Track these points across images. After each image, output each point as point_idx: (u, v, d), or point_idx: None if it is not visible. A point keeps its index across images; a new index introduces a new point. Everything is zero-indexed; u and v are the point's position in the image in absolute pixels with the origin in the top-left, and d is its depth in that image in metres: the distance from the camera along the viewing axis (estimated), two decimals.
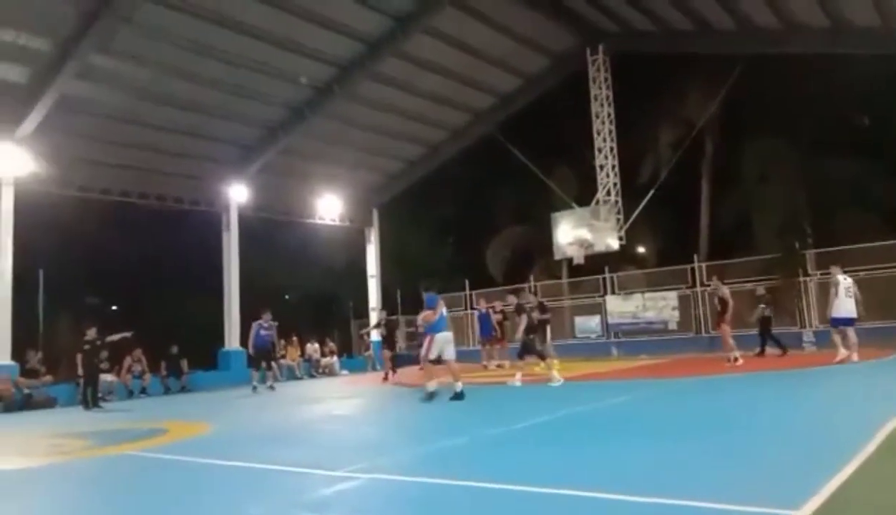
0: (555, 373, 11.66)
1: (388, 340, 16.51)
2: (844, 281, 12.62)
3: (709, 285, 18.95)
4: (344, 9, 15.97)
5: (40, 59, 14.07)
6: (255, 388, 15.00)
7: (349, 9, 16.02)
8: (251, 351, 15.50)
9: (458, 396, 9.95)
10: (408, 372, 16.75)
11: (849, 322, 12.50)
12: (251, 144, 19.44)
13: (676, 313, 19.96)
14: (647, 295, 20.55)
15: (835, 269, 12.96)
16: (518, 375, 12.04)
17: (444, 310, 10.51)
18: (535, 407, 9.50)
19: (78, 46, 13.81)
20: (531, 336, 12.32)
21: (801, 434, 6.04)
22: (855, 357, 12.26)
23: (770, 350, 15.26)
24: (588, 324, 21.70)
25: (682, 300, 19.84)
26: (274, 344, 16.91)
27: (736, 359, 13.47)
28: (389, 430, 8.79)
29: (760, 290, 16.60)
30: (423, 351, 10.58)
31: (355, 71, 17.83)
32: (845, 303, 12.46)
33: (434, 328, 10.31)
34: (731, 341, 13.83)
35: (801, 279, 18.29)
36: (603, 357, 19.79)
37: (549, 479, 4.62)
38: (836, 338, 12.53)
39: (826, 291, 13.58)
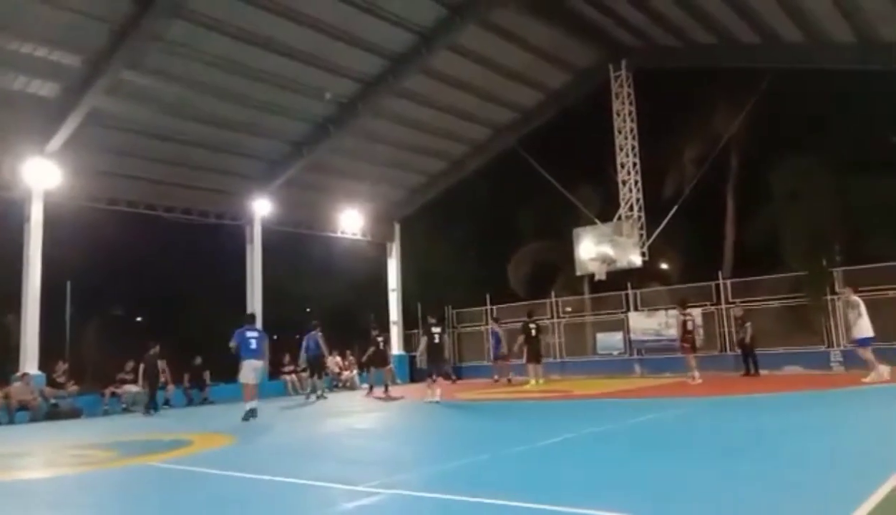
0: (429, 392, 13.33)
1: (381, 356, 17.32)
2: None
3: (734, 303, 18.80)
4: (369, 26, 16.08)
5: (71, 75, 14.36)
6: (319, 396, 16.44)
7: (374, 26, 16.12)
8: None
9: (252, 414, 11.54)
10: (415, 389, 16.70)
11: (872, 341, 12.83)
12: (276, 159, 19.63)
13: (700, 330, 19.67)
14: (671, 311, 20.27)
15: (849, 290, 13.50)
16: (438, 392, 13.35)
17: (251, 341, 11.84)
18: (557, 424, 9.43)
19: (108, 63, 14.07)
20: (428, 356, 14.02)
21: (836, 459, 5.91)
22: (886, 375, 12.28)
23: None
24: (610, 341, 21.42)
25: (707, 317, 19.53)
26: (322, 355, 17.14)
27: (693, 378, 15.08)
28: (411, 445, 8.78)
29: (738, 312, 17.80)
30: (240, 377, 12.04)
31: (379, 87, 17.94)
32: (868, 323, 12.71)
33: (243, 354, 11.80)
34: (693, 363, 15.41)
35: (829, 297, 17.96)
36: (625, 374, 19.57)
37: (571, 498, 4.57)
38: (870, 356, 12.57)
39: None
